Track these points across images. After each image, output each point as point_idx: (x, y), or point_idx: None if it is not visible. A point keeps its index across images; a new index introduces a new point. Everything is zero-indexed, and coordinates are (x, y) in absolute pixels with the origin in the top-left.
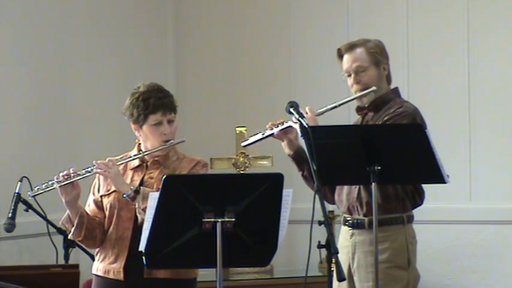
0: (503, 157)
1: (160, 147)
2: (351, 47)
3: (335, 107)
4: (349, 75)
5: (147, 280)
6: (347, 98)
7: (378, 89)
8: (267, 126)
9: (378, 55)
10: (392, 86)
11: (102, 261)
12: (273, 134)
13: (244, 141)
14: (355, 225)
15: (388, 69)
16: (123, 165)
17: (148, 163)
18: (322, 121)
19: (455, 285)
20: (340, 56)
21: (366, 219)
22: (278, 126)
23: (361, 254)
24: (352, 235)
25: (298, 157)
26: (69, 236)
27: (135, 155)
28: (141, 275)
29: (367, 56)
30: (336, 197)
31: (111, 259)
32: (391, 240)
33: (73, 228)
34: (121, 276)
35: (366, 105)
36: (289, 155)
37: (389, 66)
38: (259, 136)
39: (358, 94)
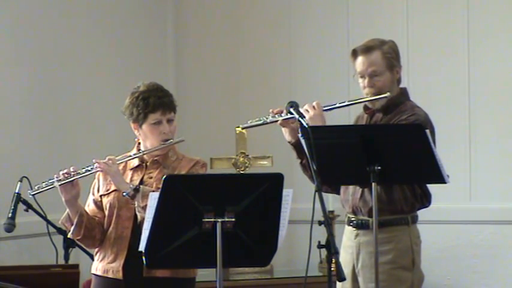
0: (503, 157)
1: (159, 147)
2: (368, 49)
3: (345, 105)
4: (362, 77)
5: (146, 279)
6: (359, 99)
7: (390, 93)
8: (270, 111)
9: (393, 59)
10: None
11: (101, 260)
12: (276, 121)
13: (244, 124)
14: (360, 226)
15: (400, 72)
16: (122, 165)
17: (148, 163)
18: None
19: (456, 285)
20: (354, 56)
21: (371, 219)
22: (282, 115)
23: (366, 254)
24: (356, 235)
25: (298, 145)
26: (69, 235)
27: (134, 154)
28: (140, 274)
29: (382, 61)
30: (342, 196)
31: (110, 258)
32: (396, 241)
33: (72, 227)
34: (120, 276)
35: (378, 108)
36: (289, 142)
37: (401, 68)
38: (261, 122)
39: (372, 98)
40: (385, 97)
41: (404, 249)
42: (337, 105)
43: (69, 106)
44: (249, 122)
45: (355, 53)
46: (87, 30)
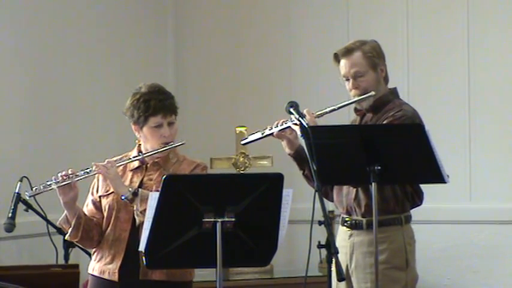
0: (503, 157)
1: (159, 150)
2: (348, 52)
3: (334, 109)
4: (347, 80)
5: (142, 282)
6: (346, 101)
7: (376, 92)
8: (268, 127)
9: (375, 58)
10: (392, 86)
11: (98, 261)
12: (272, 133)
13: (244, 139)
14: (354, 226)
15: (385, 70)
16: (122, 166)
17: (148, 165)
18: (323, 121)
19: (455, 286)
20: (337, 60)
21: (364, 220)
22: (278, 126)
23: (360, 254)
24: (350, 236)
25: (298, 156)
26: (66, 237)
27: (134, 157)
28: (137, 276)
29: (364, 61)
30: (335, 197)
31: (107, 260)
32: (389, 241)
33: (70, 229)
34: (116, 278)
35: (365, 109)
36: (289, 155)
37: (386, 67)
38: (259, 135)
39: (357, 98)
40: (370, 96)
41: (397, 249)
42: (327, 109)
43: (69, 106)
44: (248, 137)
45: (336, 57)
46: (87, 31)
